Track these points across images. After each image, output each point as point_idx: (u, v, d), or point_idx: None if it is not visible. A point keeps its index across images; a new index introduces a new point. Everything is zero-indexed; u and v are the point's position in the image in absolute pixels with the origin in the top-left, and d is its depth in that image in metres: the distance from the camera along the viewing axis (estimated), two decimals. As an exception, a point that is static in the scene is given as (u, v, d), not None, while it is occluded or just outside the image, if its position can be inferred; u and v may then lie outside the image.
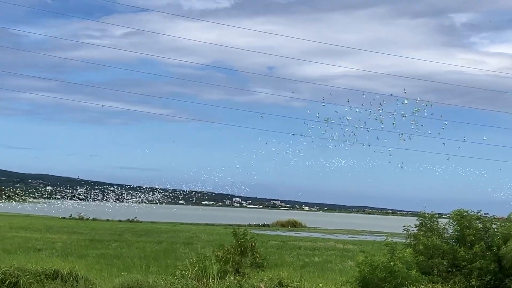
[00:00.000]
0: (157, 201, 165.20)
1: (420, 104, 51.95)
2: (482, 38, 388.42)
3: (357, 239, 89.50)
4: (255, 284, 25.85)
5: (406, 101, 51.18)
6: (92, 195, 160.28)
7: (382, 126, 52.25)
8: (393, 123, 52.32)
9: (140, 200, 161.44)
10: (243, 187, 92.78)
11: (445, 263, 25.41)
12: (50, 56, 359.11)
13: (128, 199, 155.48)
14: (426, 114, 51.83)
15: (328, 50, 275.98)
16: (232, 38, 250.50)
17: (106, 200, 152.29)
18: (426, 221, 27.02)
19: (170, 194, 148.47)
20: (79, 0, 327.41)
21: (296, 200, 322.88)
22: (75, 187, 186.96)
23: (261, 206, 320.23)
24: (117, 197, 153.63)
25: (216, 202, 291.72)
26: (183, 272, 28.05)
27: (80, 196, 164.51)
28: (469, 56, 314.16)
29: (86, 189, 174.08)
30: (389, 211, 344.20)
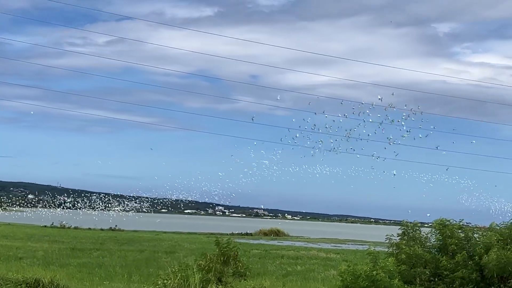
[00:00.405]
0: (139, 209, 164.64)
1: (403, 113, 52.22)
2: (464, 48, 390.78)
3: (340, 248, 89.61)
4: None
5: (392, 107, 51.39)
6: (74, 203, 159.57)
7: (368, 134, 52.49)
8: (375, 132, 52.53)
9: (123, 208, 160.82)
10: (226, 195, 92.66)
11: (427, 272, 25.44)
12: (34, 64, 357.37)
13: (110, 208, 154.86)
14: (410, 123, 52.12)
15: (311, 59, 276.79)
16: (215, 46, 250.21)
17: (88, 208, 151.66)
18: (408, 230, 27.05)
19: (153, 203, 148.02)
20: (62, 8, 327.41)
21: (279, 209, 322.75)
22: (57, 195, 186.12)
23: (243, 215, 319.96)
24: (99, 205, 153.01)
25: (198, 210, 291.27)
26: (165, 281, 27.93)
27: (62, 205, 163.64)
28: (451, 66, 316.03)
29: (68, 197, 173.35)
30: (371, 220, 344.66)
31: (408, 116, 52.62)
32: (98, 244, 70.32)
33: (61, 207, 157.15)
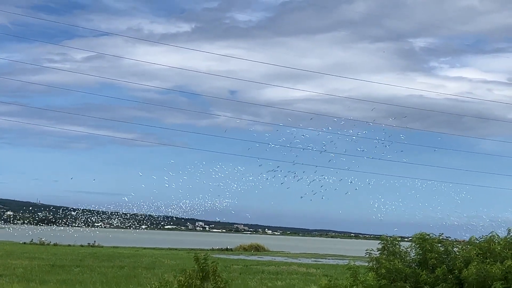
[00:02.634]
0: (119, 225, 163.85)
1: (383, 128, 52.46)
2: (441, 63, 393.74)
3: (320, 262, 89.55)
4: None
5: (370, 123, 51.66)
6: (53, 219, 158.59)
7: (345, 150, 52.63)
8: (352, 147, 52.70)
9: (102, 224, 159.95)
10: (206, 211, 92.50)
11: (407, 286, 25.41)
12: (12, 80, 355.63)
13: (90, 224, 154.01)
14: (389, 137, 52.34)
15: (289, 74, 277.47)
16: (193, 62, 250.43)
17: (67, 225, 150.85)
18: (388, 245, 27.01)
19: (132, 219, 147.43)
20: (40, 24, 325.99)
21: (259, 224, 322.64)
22: (36, 212, 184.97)
23: (224, 230, 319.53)
24: (79, 222, 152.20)
25: (179, 226, 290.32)
26: (145, 297, 27.76)
27: (41, 221, 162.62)
28: (428, 80, 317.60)
29: (47, 213, 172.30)
30: (352, 234, 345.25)
31: (387, 132, 52.89)
32: (78, 261, 69.85)
33: (41, 223, 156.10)
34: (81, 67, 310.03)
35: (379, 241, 27.41)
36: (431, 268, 25.71)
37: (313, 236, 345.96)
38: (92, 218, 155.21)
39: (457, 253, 26.44)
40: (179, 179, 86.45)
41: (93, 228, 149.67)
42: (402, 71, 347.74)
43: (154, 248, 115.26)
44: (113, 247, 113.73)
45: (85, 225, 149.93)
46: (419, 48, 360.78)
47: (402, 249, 27.00)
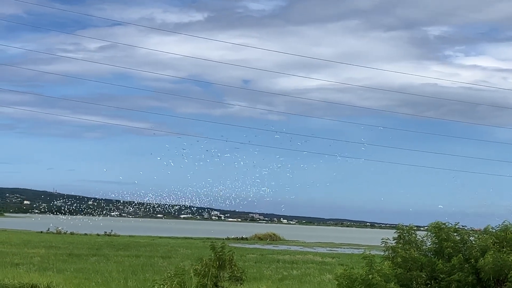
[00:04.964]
0: (135, 214, 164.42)
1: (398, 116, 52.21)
2: (456, 51, 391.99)
3: (336, 252, 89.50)
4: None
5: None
6: (70, 208, 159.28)
7: (362, 138, 52.46)
8: (369, 135, 52.51)
9: (118, 213, 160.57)
10: (221, 200, 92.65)
11: (423, 275, 25.35)
12: (27, 70, 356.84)
13: (106, 213, 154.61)
14: (404, 126, 52.10)
15: (302, 63, 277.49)
16: (206, 51, 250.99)
17: (84, 213, 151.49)
18: (404, 234, 26.95)
19: (149, 208, 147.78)
20: (54, 14, 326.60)
21: (275, 213, 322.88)
22: (52, 201, 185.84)
23: (239, 219, 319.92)
24: (95, 210, 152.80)
25: (194, 215, 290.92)
26: (161, 286, 27.85)
27: (58, 210, 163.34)
28: (443, 69, 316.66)
29: (63, 202, 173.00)
30: (367, 223, 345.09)
31: (402, 120, 52.60)
32: (95, 250, 70.14)
33: (57, 212, 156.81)
34: (95, 56, 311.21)
35: (394, 230, 27.36)
36: (447, 257, 25.64)
37: (328, 226, 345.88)
38: (107, 207, 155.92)
39: (473, 242, 26.33)
40: (194, 168, 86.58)
41: (108, 217, 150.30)
42: (416, 60, 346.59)
43: (170, 237, 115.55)
44: (129, 236, 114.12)
45: (101, 214, 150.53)
46: (433, 37, 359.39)
47: (418, 238, 26.94)
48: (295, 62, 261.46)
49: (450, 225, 26.57)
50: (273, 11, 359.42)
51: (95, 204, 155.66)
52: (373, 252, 25.69)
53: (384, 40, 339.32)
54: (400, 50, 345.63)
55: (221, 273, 31.51)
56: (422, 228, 30.82)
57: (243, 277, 33.11)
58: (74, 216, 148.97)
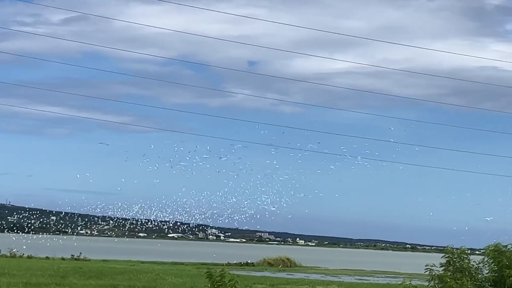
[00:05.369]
0: (110, 233, 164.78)
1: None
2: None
3: (367, 281, 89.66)
4: None
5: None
6: (27, 225, 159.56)
7: (396, 136, 52.39)
8: (407, 132, 52.43)
9: (89, 231, 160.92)
10: (220, 215, 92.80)
11: (479, 312, 25.37)
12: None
13: (73, 231, 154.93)
14: (454, 121, 52.04)
15: (325, 40, 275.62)
16: (202, 25, 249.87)
17: (45, 231, 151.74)
18: (454, 259, 26.98)
19: (127, 224, 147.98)
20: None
21: (288, 232, 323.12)
22: (5, 216, 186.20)
23: (243, 240, 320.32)
24: (59, 228, 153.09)
25: (186, 234, 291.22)
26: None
27: (12, 227, 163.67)
28: (504, 48, 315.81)
29: (19, 218, 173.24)
30: (407, 245, 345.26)
31: (452, 113, 52.47)
32: (58, 278, 70.23)
33: (11, 230, 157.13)
34: (59, 31, 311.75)
35: (442, 254, 27.35)
36: (509, 288, 25.65)
37: (357, 248, 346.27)
38: (75, 224, 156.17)
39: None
40: (185, 174, 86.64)
41: (77, 236, 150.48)
42: (470, 36, 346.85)
43: (154, 262, 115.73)
44: (103, 260, 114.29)
45: (67, 232, 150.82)
46: (492, 7, 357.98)
47: (473, 265, 26.93)
48: (315, 38, 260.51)
49: (514, 248, 26.57)
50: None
51: (60, 219, 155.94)
52: (414, 282, 25.70)
53: (430, 10, 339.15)
54: (450, 24, 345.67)
55: (219, 309, 31.56)
56: (477, 252, 30.80)
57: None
58: (33, 235, 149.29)
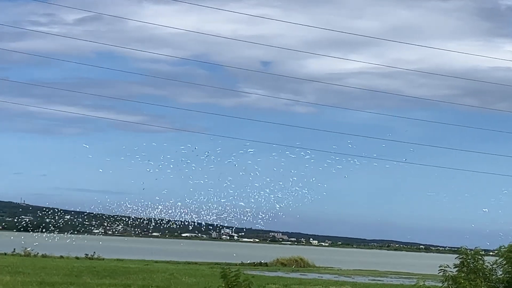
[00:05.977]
0: (124, 232, 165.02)
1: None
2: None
3: (380, 282, 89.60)
4: None
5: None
6: (42, 224, 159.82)
7: (409, 137, 52.33)
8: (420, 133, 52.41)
9: (103, 231, 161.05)
10: (234, 215, 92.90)
11: (493, 313, 25.37)
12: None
13: (87, 230, 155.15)
14: (467, 122, 52.01)
15: (338, 41, 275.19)
16: (216, 24, 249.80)
17: (60, 231, 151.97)
18: (468, 260, 26.96)
19: (141, 224, 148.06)
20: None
21: (302, 232, 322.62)
22: (19, 215, 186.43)
23: (257, 240, 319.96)
24: (73, 227, 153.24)
25: (199, 234, 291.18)
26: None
27: (26, 226, 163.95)
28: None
29: (33, 217, 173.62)
30: (421, 246, 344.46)
31: (465, 114, 52.45)
32: (73, 277, 70.40)
33: (26, 229, 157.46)
34: (73, 31, 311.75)
35: (456, 255, 27.34)
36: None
37: (371, 248, 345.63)
38: (89, 223, 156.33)
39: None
40: (199, 173, 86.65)
41: (91, 236, 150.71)
42: (484, 37, 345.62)
43: (168, 262, 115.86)
44: (117, 259, 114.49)
45: (81, 231, 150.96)
46: (506, 7, 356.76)
47: (487, 266, 26.91)
48: (328, 39, 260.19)
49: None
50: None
51: (74, 219, 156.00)
52: (428, 283, 25.71)
53: (443, 11, 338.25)
54: (464, 24, 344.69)
55: (233, 309, 31.59)
56: (491, 253, 30.77)
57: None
58: (48, 234, 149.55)
